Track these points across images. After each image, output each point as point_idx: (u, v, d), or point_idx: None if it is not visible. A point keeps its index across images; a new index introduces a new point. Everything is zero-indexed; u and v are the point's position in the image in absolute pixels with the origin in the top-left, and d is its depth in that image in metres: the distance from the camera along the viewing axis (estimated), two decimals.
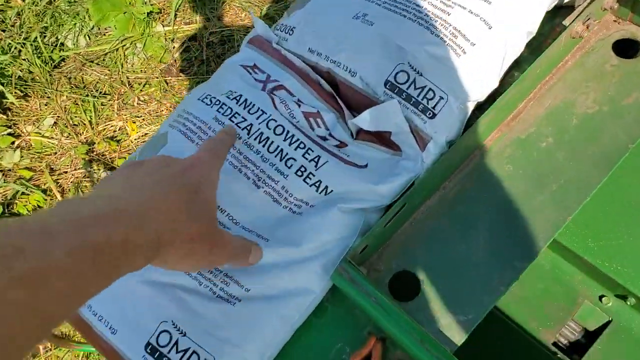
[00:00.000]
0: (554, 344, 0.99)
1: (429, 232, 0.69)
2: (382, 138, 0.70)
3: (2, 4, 2.45)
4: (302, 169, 0.66)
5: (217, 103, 0.70)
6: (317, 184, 0.65)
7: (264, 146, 0.67)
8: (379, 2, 0.72)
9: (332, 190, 0.66)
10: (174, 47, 2.52)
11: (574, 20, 0.72)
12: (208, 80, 0.77)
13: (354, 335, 0.65)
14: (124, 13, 2.41)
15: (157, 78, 2.50)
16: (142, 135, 2.43)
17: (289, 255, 0.63)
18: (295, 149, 0.66)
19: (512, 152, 0.72)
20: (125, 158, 2.39)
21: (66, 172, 2.39)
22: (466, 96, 0.68)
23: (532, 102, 0.74)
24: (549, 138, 0.72)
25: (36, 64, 2.36)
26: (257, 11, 2.54)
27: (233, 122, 0.68)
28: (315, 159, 0.66)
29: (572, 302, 1.00)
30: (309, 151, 0.66)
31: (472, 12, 0.69)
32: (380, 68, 0.68)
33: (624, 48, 0.77)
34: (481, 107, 0.73)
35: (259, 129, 0.67)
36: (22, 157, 2.37)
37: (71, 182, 2.37)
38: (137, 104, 2.49)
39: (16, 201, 2.29)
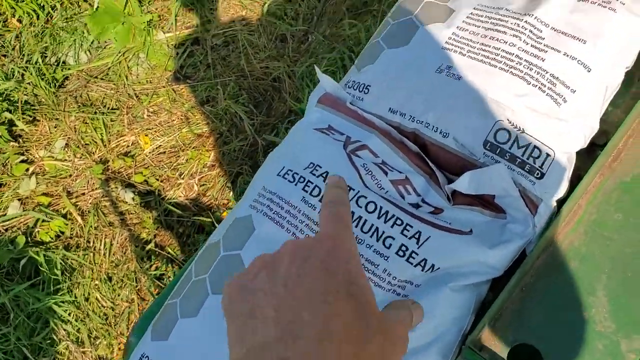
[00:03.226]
0: None
1: (542, 297, 0.65)
2: (482, 199, 0.65)
3: (0, 28, 2.35)
4: (404, 249, 0.61)
5: (301, 180, 0.64)
6: (422, 263, 0.61)
7: (356, 226, 0.62)
8: (462, 52, 0.66)
9: (438, 267, 0.61)
10: (177, 54, 2.43)
11: None
12: (281, 146, 0.71)
13: None
14: (123, 24, 2.32)
15: (164, 87, 2.43)
16: (156, 148, 2.37)
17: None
18: (392, 226, 0.61)
19: (619, 197, 0.67)
20: (142, 173, 2.33)
21: (84, 194, 2.33)
22: (572, 147, 0.63)
23: (632, 139, 0.69)
24: None
25: (41, 86, 2.28)
26: (257, 8, 2.45)
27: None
28: (416, 235, 0.61)
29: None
30: (408, 227, 0.61)
31: (567, 55, 0.64)
32: (477, 127, 0.63)
33: None
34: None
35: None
36: (38, 183, 2.31)
37: (90, 204, 2.32)
38: (147, 115, 2.42)
39: (38, 229, 2.24)
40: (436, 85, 0.65)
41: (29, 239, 2.21)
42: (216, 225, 2.09)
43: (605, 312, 0.63)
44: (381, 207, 0.62)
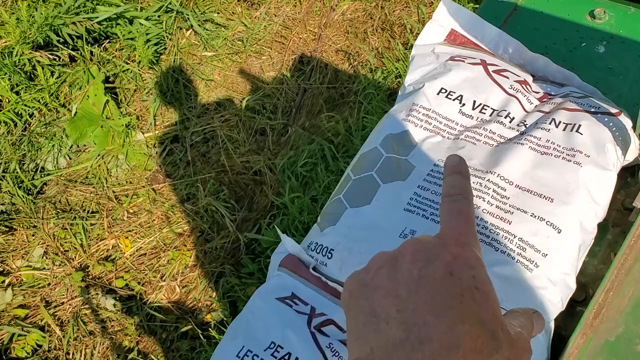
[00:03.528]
0: None
1: None
2: None
3: None
4: None
5: None
6: None
7: None
8: (425, 214, 0.63)
9: None
10: (156, 153, 2.42)
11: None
12: (241, 316, 0.67)
13: None
14: (102, 127, 2.31)
15: (144, 187, 2.40)
16: (136, 250, 2.32)
17: None
18: None
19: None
20: (123, 277, 2.27)
21: (63, 303, 2.26)
22: (550, 315, 0.59)
23: (612, 292, 0.66)
24: None
25: (18, 195, 2.25)
26: (236, 103, 2.47)
27: None
28: None
29: None
30: None
31: (535, 217, 0.61)
32: None
33: None
34: None
35: None
36: (14, 295, 2.23)
37: (69, 313, 2.24)
38: (127, 217, 2.38)
39: (13, 345, 2.15)
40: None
41: (4, 356, 2.11)
42: (198, 330, 2.02)
43: None
44: None
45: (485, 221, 0.61)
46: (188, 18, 2.39)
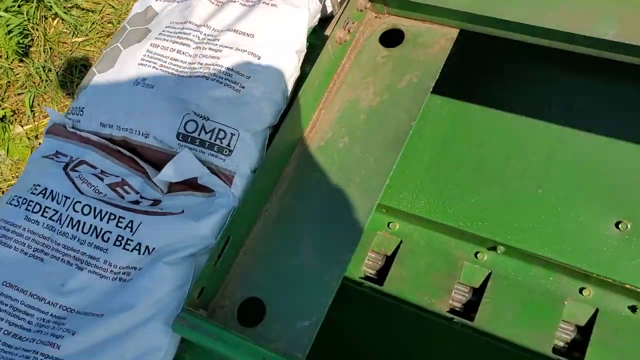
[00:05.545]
0: (451, 310, 1.06)
1: (262, 257, 0.74)
2: (193, 185, 0.74)
3: None
4: (120, 238, 0.69)
5: (24, 202, 0.71)
6: (137, 247, 0.68)
7: (78, 230, 0.69)
8: (155, 66, 0.77)
9: (154, 248, 0.68)
10: (39, 144, 2.46)
11: (333, 29, 0.79)
12: (17, 181, 0.78)
13: None
14: None
15: None
16: None
17: (127, 321, 0.65)
18: (108, 222, 0.69)
19: (317, 160, 0.78)
20: None
21: None
22: (257, 125, 0.74)
23: (324, 110, 0.81)
24: (344, 138, 0.78)
25: None
26: None
27: (45, 217, 0.70)
28: (129, 225, 0.69)
29: (453, 266, 1.08)
30: (121, 219, 0.69)
31: (239, 50, 0.75)
32: (169, 123, 0.73)
33: (391, 38, 0.85)
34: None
35: (68, 215, 0.69)
36: None
37: None
38: None
39: None
40: (134, 96, 0.75)
41: None
42: None
43: (312, 254, 0.72)
44: (96, 208, 0.70)
45: (200, 63, 0.76)
46: (51, 6, 2.44)
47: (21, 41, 2.41)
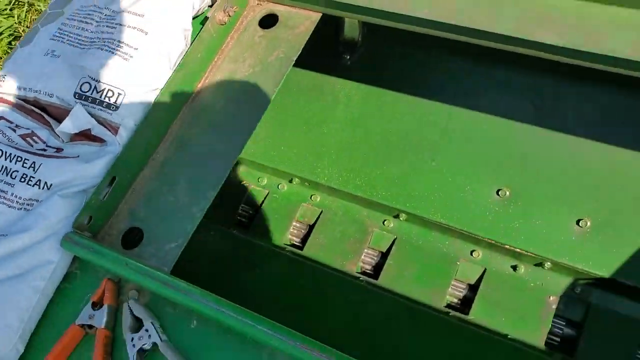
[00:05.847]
0: (363, 272, 1.18)
1: (146, 195, 0.90)
2: (90, 137, 0.91)
3: None
4: (24, 176, 0.86)
5: None
6: (38, 183, 0.85)
7: None
8: (63, 41, 0.96)
9: (52, 184, 0.85)
10: None
11: (214, 12, 0.96)
12: None
13: (97, 285, 0.84)
14: None
15: None
16: None
17: (25, 240, 0.81)
18: (15, 163, 0.86)
19: (198, 118, 0.95)
20: None
21: None
22: (142, 88, 0.91)
23: (208, 79, 0.98)
24: (221, 102, 0.95)
25: None
26: None
27: None
28: (33, 165, 0.86)
29: (364, 233, 1.21)
30: (26, 161, 0.86)
31: (130, 27, 0.93)
32: (69, 86, 0.91)
33: (270, 22, 1.01)
34: None
35: None
36: None
37: None
38: None
39: None
40: (44, 64, 0.93)
41: None
42: None
43: (186, 193, 0.88)
44: (6, 152, 0.87)
45: (101, 39, 0.94)
46: (41, 10, 2.64)
47: (12, 43, 2.61)
